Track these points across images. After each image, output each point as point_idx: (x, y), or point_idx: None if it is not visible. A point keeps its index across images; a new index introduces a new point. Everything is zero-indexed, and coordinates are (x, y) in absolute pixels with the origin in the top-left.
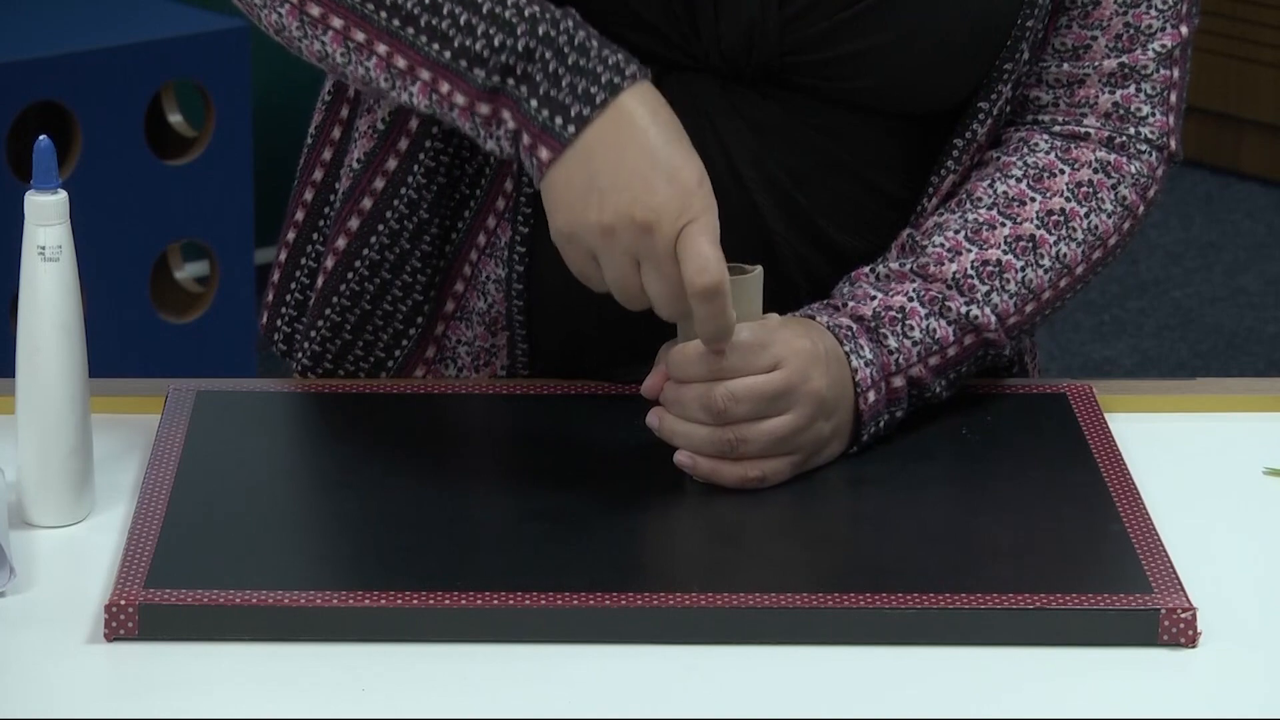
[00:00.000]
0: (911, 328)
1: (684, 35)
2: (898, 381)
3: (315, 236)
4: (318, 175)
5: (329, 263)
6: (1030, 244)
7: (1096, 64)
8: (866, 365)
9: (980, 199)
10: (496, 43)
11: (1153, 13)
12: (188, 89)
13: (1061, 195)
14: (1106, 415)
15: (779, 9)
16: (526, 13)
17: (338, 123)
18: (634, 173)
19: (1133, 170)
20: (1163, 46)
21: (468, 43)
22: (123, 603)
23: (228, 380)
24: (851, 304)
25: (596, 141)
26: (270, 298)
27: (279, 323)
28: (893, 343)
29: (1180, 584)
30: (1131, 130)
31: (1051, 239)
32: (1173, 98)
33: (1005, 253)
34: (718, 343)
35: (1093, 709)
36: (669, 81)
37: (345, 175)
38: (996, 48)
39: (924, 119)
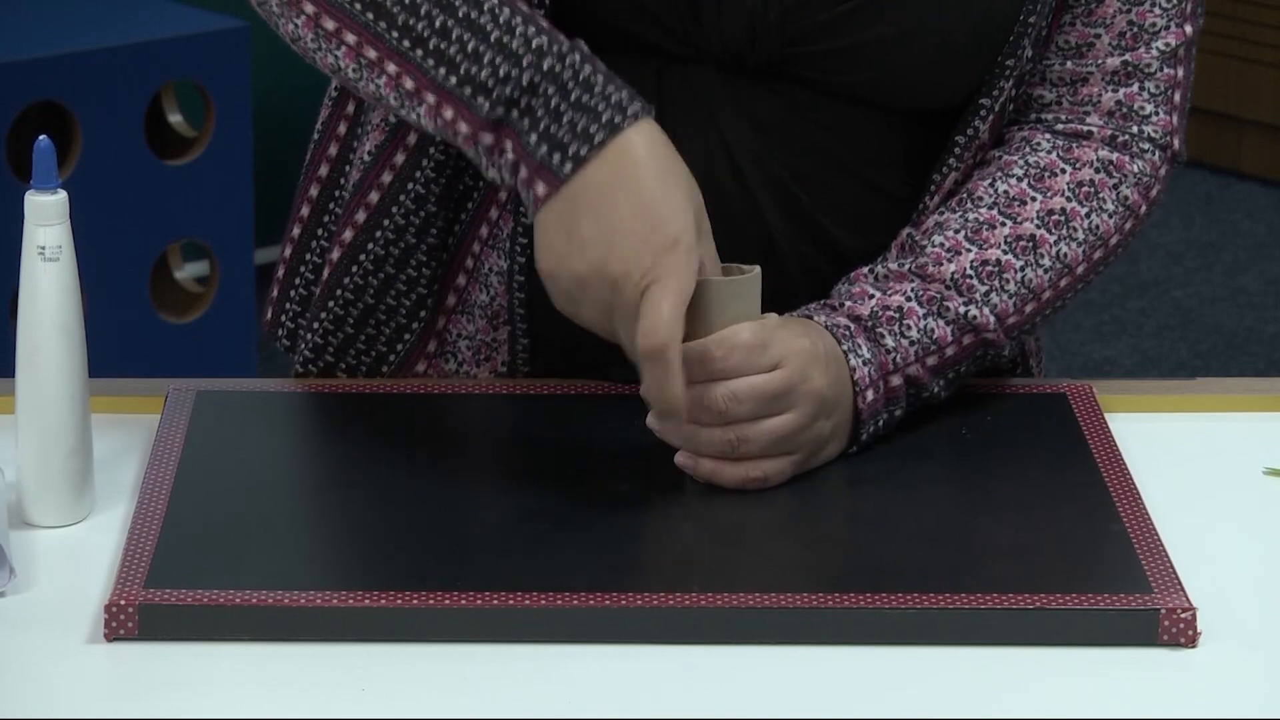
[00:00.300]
0: (909, 327)
1: (686, 25)
2: (895, 381)
3: (320, 231)
4: (323, 170)
5: (334, 255)
6: (1030, 244)
7: (1100, 62)
8: (864, 364)
9: (981, 198)
10: (502, 73)
11: (1156, 11)
12: (188, 89)
13: (1062, 195)
14: (1106, 415)
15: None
16: (534, 44)
17: (344, 118)
18: (614, 226)
19: (1135, 169)
20: (1166, 45)
21: (474, 70)
22: (123, 603)
23: (228, 380)
24: (849, 304)
25: (590, 184)
26: (275, 293)
27: (283, 318)
28: (890, 342)
29: (1180, 584)
30: (1134, 129)
31: (1052, 239)
32: (1176, 97)
33: (1005, 252)
34: (663, 414)
35: (1093, 709)
36: (671, 74)
37: (355, 168)
38: (998, 44)
39: (926, 116)
